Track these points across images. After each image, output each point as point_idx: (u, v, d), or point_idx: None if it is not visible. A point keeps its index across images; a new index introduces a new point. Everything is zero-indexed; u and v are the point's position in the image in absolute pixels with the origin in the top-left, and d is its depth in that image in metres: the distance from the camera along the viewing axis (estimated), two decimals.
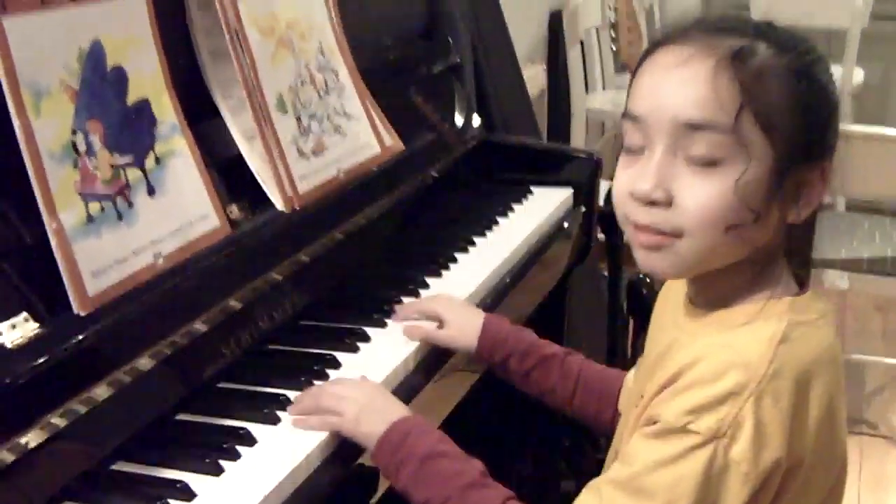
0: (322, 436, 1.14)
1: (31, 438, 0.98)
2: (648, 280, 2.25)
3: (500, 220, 1.82)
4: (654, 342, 1.15)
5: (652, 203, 0.95)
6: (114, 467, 1.08)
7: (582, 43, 3.44)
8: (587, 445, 1.92)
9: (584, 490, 1.00)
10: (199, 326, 1.20)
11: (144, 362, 1.12)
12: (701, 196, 0.94)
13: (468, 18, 2.03)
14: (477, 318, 1.38)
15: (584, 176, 1.99)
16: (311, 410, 1.17)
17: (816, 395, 0.95)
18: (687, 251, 0.96)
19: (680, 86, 0.94)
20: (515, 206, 1.89)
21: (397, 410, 1.16)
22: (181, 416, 1.18)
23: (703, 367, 0.93)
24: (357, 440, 1.14)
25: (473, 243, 1.71)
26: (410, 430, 1.12)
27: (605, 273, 2.21)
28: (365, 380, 1.23)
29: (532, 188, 1.97)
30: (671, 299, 1.12)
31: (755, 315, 0.97)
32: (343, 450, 1.15)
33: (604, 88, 3.64)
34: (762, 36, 0.96)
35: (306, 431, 1.15)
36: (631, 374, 1.27)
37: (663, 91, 0.95)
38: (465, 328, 1.36)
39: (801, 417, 0.94)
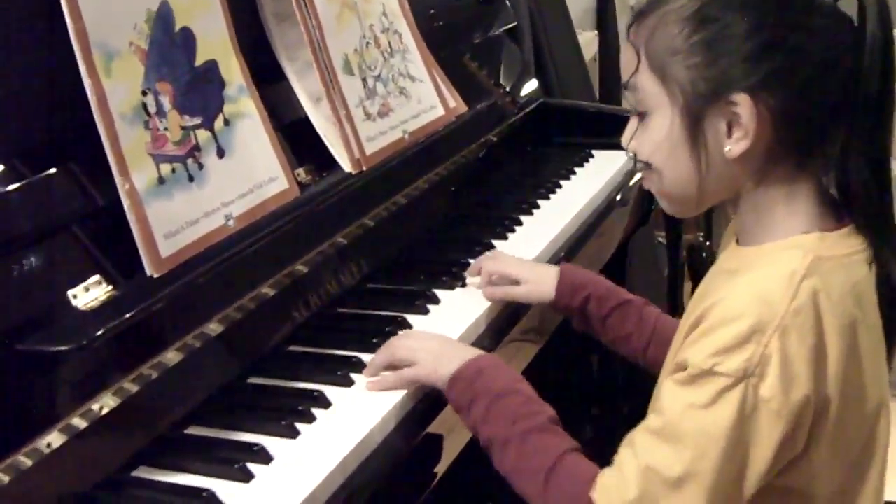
0: (397, 397, 1.12)
1: (105, 403, 0.98)
2: (708, 243, 2.23)
3: (563, 183, 1.79)
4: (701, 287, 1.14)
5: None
6: (188, 431, 1.08)
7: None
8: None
9: (621, 445, 0.99)
10: (267, 290, 1.20)
11: (214, 327, 1.11)
12: (641, 144, 1.01)
13: None
14: (551, 268, 1.37)
15: None
16: (385, 366, 1.16)
17: (839, 333, 0.93)
18: (659, 188, 1.02)
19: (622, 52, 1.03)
20: (577, 170, 1.86)
21: (472, 350, 1.15)
22: (253, 380, 1.18)
23: (726, 307, 0.92)
24: (436, 384, 1.12)
25: (538, 206, 1.68)
26: (485, 367, 1.11)
27: (661, 240, 2.19)
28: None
29: (592, 151, 1.94)
30: (724, 243, 1.11)
31: (782, 250, 0.96)
32: (418, 411, 1.14)
33: None
34: None
35: (381, 393, 1.13)
36: None
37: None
38: (541, 279, 1.35)
39: (824, 355, 0.92)
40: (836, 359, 0.92)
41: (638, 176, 1.86)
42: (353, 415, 1.10)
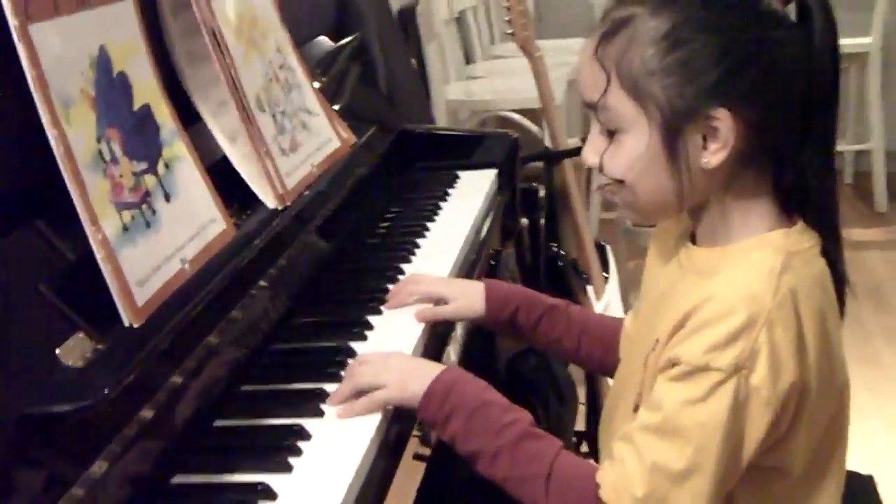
0: (375, 419, 1.14)
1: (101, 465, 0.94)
2: (563, 253, 2.34)
3: (442, 204, 1.84)
4: (651, 285, 1.21)
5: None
6: (175, 481, 1.05)
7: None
8: None
9: (617, 441, 1.04)
10: (215, 336, 1.18)
11: (175, 379, 1.09)
12: (611, 162, 1.05)
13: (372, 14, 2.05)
14: (475, 284, 1.41)
15: (504, 157, 2.04)
16: (351, 394, 1.16)
17: (812, 320, 1.00)
18: (631, 202, 1.07)
19: (579, 72, 1.07)
20: (450, 191, 1.91)
21: (433, 365, 1.18)
22: (220, 423, 1.16)
23: (714, 305, 0.98)
24: (405, 404, 1.14)
25: (428, 228, 1.73)
26: (455, 380, 1.14)
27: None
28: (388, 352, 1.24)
29: (458, 173, 2.00)
30: (664, 243, 1.18)
31: (754, 248, 1.03)
32: (395, 427, 1.16)
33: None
34: None
35: (356, 419, 1.14)
36: (628, 319, 1.32)
37: (578, 76, 1.08)
38: (469, 296, 1.39)
39: (804, 343, 0.99)
40: (814, 346, 1.00)
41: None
42: (337, 441, 1.10)
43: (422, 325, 1.37)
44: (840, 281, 1.07)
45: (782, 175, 1.04)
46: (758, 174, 1.04)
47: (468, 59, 3.96)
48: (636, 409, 1.08)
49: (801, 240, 1.04)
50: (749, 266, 1.01)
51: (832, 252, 1.06)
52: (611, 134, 1.04)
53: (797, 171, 1.04)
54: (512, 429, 1.09)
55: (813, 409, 1.01)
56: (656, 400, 1.01)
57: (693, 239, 1.11)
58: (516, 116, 3.61)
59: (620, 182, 1.05)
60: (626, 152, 1.03)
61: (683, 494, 0.98)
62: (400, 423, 1.17)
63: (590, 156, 1.07)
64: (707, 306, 0.98)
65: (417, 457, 1.32)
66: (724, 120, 0.99)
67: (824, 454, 1.07)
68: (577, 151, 2.39)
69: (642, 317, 1.21)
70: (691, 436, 0.97)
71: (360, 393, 1.16)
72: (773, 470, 1.04)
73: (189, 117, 1.30)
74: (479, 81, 3.71)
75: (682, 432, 0.98)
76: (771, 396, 0.97)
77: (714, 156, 1.00)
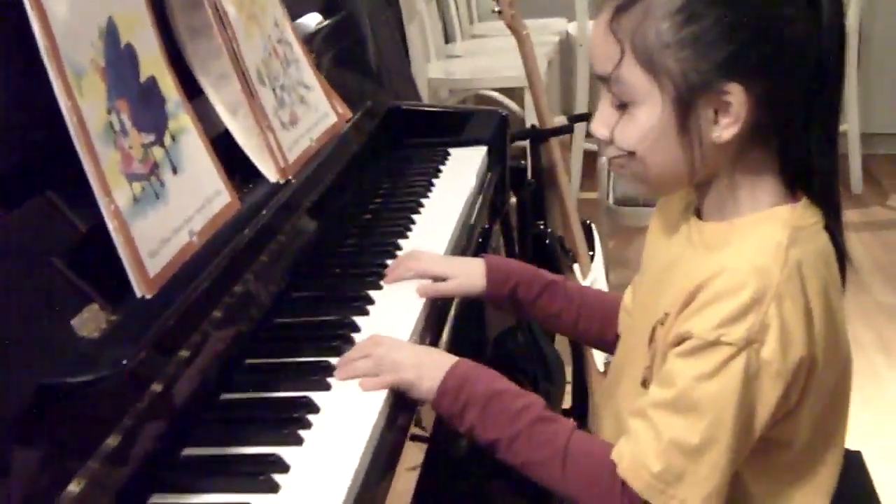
0: (382, 394, 1.14)
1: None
2: (550, 231, 2.34)
3: (434, 181, 1.84)
4: (654, 258, 1.21)
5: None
6: (186, 453, 1.05)
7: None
8: None
9: (630, 418, 1.06)
10: (219, 309, 1.17)
11: (184, 353, 1.08)
12: (623, 134, 1.05)
13: None
14: (475, 261, 1.42)
15: (494, 134, 2.04)
16: (367, 372, 1.17)
17: (817, 293, 1.02)
18: (641, 174, 1.07)
19: (593, 44, 1.07)
20: (442, 168, 1.92)
21: (446, 357, 1.18)
22: (227, 396, 1.16)
23: (724, 280, 0.99)
24: (418, 395, 1.16)
25: (423, 204, 1.73)
26: (466, 373, 1.15)
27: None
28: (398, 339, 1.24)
29: (448, 150, 2.00)
30: (668, 217, 1.19)
31: (762, 222, 1.05)
32: (400, 403, 1.17)
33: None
34: None
35: (363, 392, 1.15)
36: (626, 295, 1.33)
37: (591, 48, 1.08)
38: (469, 272, 1.39)
39: (811, 317, 1.01)
40: (820, 319, 1.01)
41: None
42: (346, 414, 1.11)
43: (422, 301, 1.37)
44: (842, 256, 1.08)
45: (788, 151, 1.06)
46: (765, 150, 1.05)
47: (448, 39, 3.96)
48: (644, 383, 1.09)
49: (805, 215, 1.05)
50: (757, 240, 1.02)
51: (834, 228, 1.07)
52: (622, 107, 1.05)
53: (802, 148, 1.05)
54: (525, 414, 1.11)
55: (819, 381, 1.03)
56: (668, 376, 1.02)
57: (698, 213, 1.12)
58: (496, 95, 3.62)
59: (631, 154, 1.05)
60: (638, 124, 1.04)
61: (699, 468, 0.99)
62: (405, 396, 1.17)
63: (600, 128, 1.07)
64: (717, 280, 0.99)
65: (415, 437, 1.33)
66: (736, 95, 0.99)
67: (827, 426, 1.09)
68: (563, 129, 2.40)
69: (644, 290, 1.22)
70: (705, 410, 0.98)
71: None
72: (776, 442, 1.05)
73: (191, 91, 1.29)
74: (459, 60, 3.71)
75: (696, 407, 0.99)
76: (782, 369, 0.98)
77: (725, 130, 1.01)
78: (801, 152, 1.05)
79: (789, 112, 1.03)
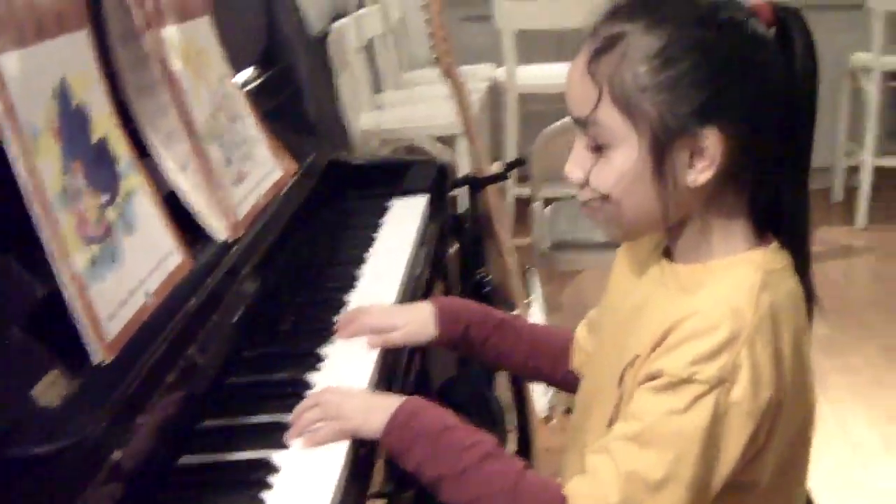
0: (343, 448, 1.13)
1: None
2: (489, 277, 2.36)
3: (375, 234, 1.84)
4: (620, 299, 1.21)
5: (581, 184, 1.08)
6: None
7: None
8: None
9: (589, 454, 1.06)
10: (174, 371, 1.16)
11: (142, 418, 1.06)
12: (598, 177, 1.06)
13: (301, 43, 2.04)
14: (425, 306, 1.40)
15: (433, 182, 2.05)
16: (312, 423, 1.15)
17: (788, 336, 1.04)
18: (615, 218, 1.07)
19: (569, 86, 1.07)
20: (383, 219, 1.92)
21: (394, 397, 1.18)
22: (186, 460, 1.14)
23: (698, 320, 1.00)
24: (368, 437, 1.14)
25: (364, 259, 1.72)
26: (415, 409, 1.14)
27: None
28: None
29: (388, 200, 2.01)
30: (635, 258, 1.20)
31: (736, 265, 1.06)
32: (361, 456, 1.16)
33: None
34: (646, 13, 1.03)
35: (322, 449, 1.14)
36: (580, 332, 1.34)
37: (567, 90, 1.08)
38: (419, 319, 1.38)
39: (781, 359, 1.03)
40: (790, 361, 1.03)
41: None
42: (308, 471, 1.10)
43: (375, 353, 1.36)
44: (810, 298, 1.10)
45: (759, 194, 1.07)
46: (737, 193, 1.07)
47: (377, 88, 3.97)
48: (611, 423, 1.09)
49: (776, 258, 1.08)
50: (731, 282, 1.04)
51: (801, 270, 1.10)
52: (597, 149, 1.05)
53: (774, 191, 1.07)
54: (476, 449, 1.10)
55: (785, 422, 1.04)
56: (636, 410, 1.02)
57: (667, 254, 1.13)
58: (426, 145, 3.63)
59: (605, 197, 1.06)
60: (614, 167, 1.04)
61: (659, 503, 1.00)
62: (366, 447, 1.16)
63: (575, 170, 1.07)
64: (690, 321, 1.00)
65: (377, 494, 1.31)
66: (711, 138, 1.01)
67: (789, 467, 1.10)
68: (500, 177, 2.42)
69: (611, 330, 1.21)
70: (671, 445, 0.99)
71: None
72: (741, 483, 1.06)
73: (141, 149, 1.28)
74: (388, 111, 3.72)
75: (663, 441, 0.99)
76: (752, 409, 1.00)
77: (701, 174, 1.03)
78: (771, 194, 1.07)
79: (763, 155, 1.04)
